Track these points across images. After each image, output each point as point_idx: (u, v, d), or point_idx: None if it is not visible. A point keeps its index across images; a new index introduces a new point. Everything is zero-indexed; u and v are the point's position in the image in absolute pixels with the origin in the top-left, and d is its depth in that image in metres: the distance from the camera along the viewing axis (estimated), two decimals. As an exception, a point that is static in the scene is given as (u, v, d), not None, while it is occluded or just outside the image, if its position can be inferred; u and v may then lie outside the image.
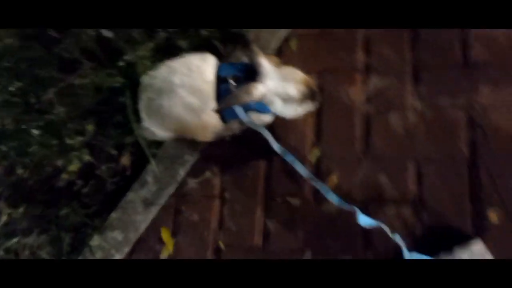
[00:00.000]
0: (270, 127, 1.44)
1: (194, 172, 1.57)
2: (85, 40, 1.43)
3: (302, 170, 1.26)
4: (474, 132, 1.31)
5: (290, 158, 1.28)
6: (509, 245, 1.20)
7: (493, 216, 1.22)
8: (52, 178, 1.60)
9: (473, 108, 1.33)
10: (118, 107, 1.51)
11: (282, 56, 1.58)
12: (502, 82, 1.32)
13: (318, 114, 1.48)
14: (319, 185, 1.24)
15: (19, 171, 1.53)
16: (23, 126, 1.42)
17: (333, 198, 1.22)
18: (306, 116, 1.42)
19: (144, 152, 1.58)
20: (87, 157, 1.49)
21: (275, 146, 1.28)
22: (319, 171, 1.43)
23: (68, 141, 1.43)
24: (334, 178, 1.40)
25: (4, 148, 1.48)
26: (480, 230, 1.23)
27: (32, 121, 1.42)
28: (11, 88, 1.43)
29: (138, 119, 1.44)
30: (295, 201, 1.43)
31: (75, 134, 1.44)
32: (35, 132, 1.42)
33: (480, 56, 1.36)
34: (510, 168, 1.25)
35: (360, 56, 1.49)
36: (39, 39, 1.45)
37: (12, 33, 1.47)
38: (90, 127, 1.45)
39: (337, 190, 1.37)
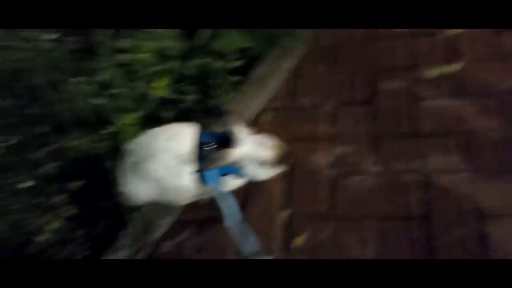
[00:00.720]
0: (242, 189, 1.56)
1: (170, 235, 1.63)
2: (78, 105, 1.55)
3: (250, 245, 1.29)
4: (426, 193, 1.45)
5: (242, 233, 1.31)
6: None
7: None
8: (28, 243, 1.61)
9: (424, 175, 1.49)
10: (100, 172, 1.60)
11: (256, 126, 1.75)
12: (448, 149, 1.51)
13: (287, 178, 1.60)
14: None
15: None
16: (10, 180, 1.47)
17: None
18: (276, 179, 1.55)
19: (119, 218, 1.64)
20: (71, 212, 1.53)
21: (231, 220, 1.34)
22: (288, 232, 1.51)
23: (50, 201, 1.49)
24: (300, 239, 1.49)
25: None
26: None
27: (21, 177, 1.48)
28: (7, 143, 1.51)
29: (119, 184, 1.52)
30: (266, 261, 1.49)
31: (59, 193, 1.50)
32: (22, 186, 1.47)
33: (428, 127, 1.57)
34: (459, 223, 1.38)
35: (324, 127, 1.68)
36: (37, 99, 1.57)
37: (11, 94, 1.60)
38: (73, 186, 1.52)
39: (304, 249, 1.46)
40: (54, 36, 1.58)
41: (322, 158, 1.62)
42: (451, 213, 1.39)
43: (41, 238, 1.57)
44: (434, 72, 1.74)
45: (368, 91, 1.74)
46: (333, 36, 1.99)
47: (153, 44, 1.75)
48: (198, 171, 1.41)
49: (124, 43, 1.68)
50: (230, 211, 1.35)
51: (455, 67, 1.73)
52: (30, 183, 1.50)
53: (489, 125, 1.53)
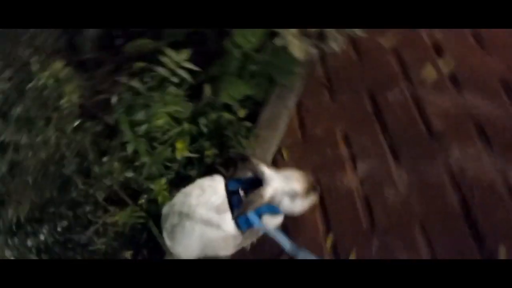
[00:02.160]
0: (283, 227, 1.60)
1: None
2: (111, 182, 1.64)
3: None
4: (458, 188, 1.51)
5: (303, 255, 1.36)
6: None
7: (502, 251, 1.35)
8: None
9: (451, 169, 1.55)
10: (148, 238, 1.65)
11: (278, 165, 1.82)
12: (468, 143, 1.59)
13: (322, 205, 1.66)
14: None
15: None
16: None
17: None
18: (312, 209, 1.59)
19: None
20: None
21: (287, 246, 1.39)
22: (337, 255, 1.55)
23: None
24: (352, 256, 1.52)
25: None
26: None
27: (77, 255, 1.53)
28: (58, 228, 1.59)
29: (167, 246, 1.57)
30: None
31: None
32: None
33: (440, 126, 1.65)
34: (500, 208, 1.42)
35: (342, 149, 1.76)
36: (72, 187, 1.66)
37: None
38: (127, 255, 1.57)
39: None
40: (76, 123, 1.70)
41: (349, 179, 1.68)
42: (490, 200, 1.45)
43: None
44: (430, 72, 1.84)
45: (373, 106, 1.83)
46: (323, 67, 2.10)
47: (165, 109, 1.85)
48: (235, 218, 1.46)
49: (140, 115, 1.79)
50: (285, 241, 1.39)
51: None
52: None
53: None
